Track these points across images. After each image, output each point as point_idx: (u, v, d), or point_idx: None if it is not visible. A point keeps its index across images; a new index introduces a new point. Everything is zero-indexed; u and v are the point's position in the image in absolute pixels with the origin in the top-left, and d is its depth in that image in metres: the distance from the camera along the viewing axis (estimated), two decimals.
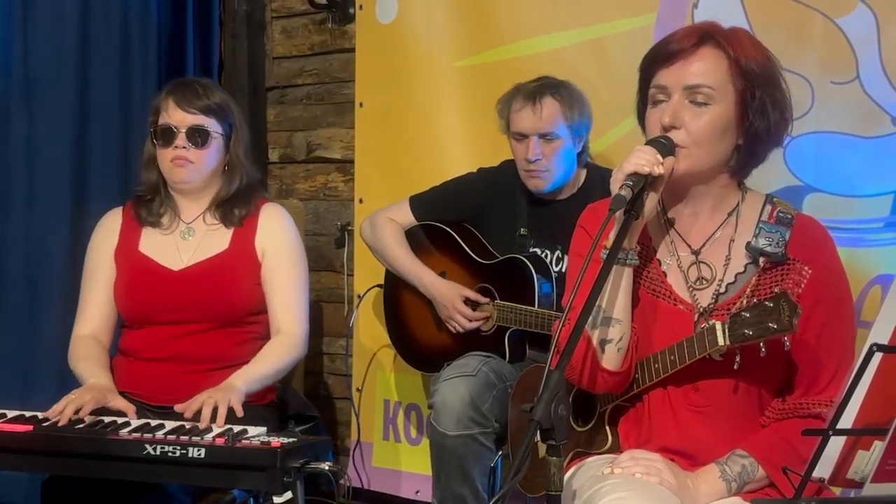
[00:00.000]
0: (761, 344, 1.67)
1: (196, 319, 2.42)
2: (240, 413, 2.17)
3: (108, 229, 2.53)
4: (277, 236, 2.50)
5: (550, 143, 2.65)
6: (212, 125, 2.46)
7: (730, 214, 1.83)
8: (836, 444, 1.45)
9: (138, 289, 2.46)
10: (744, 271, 1.80)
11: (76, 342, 2.46)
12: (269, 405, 2.53)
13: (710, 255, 1.82)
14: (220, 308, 2.43)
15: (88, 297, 2.50)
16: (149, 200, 2.52)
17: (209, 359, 2.41)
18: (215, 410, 2.15)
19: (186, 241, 2.49)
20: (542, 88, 2.66)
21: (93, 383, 2.30)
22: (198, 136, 2.44)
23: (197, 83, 2.51)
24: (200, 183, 2.49)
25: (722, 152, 1.77)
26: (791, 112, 1.80)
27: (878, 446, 1.45)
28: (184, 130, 2.43)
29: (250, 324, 2.47)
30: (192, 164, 2.44)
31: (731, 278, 1.80)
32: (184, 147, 2.43)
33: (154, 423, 2.13)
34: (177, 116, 2.44)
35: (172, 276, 2.45)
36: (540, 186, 2.70)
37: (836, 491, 1.62)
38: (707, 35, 1.76)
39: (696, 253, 1.83)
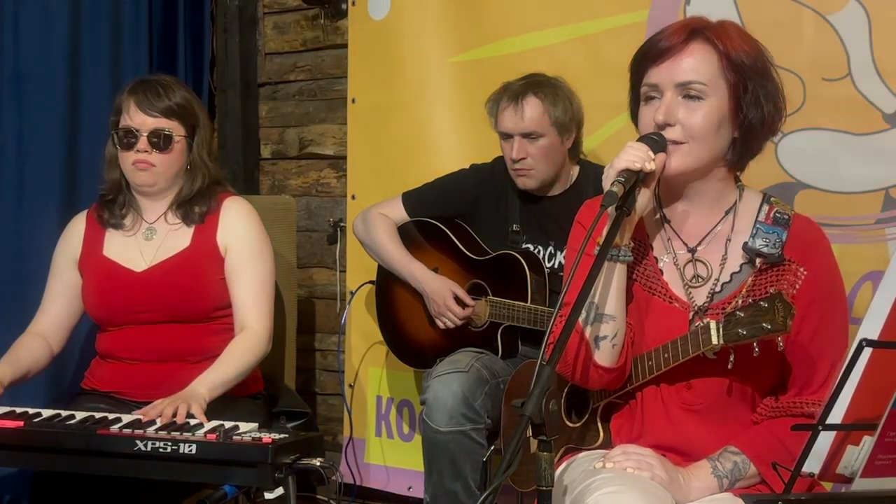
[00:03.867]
0: (755, 344, 1.67)
1: (165, 318, 2.42)
2: (205, 423, 2.14)
3: (73, 235, 2.54)
4: (239, 231, 2.48)
5: (535, 143, 2.65)
6: (174, 128, 2.43)
7: (727, 212, 1.83)
8: (825, 440, 1.45)
9: (104, 292, 2.46)
10: (739, 271, 1.80)
11: (23, 335, 2.49)
12: (255, 396, 2.54)
13: (707, 253, 1.82)
14: (186, 306, 2.42)
15: (46, 298, 2.53)
16: (111, 200, 2.51)
17: (186, 353, 2.41)
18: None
19: (149, 242, 2.48)
20: (525, 88, 2.66)
21: None
22: (160, 141, 2.41)
23: (158, 83, 2.47)
24: (163, 184, 2.47)
25: (719, 146, 1.77)
26: (784, 102, 1.80)
27: (868, 441, 1.45)
28: (145, 134, 2.41)
29: (221, 316, 2.47)
30: (154, 167, 2.43)
31: (727, 277, 1.80)
32: (146, 151, 2.41)
33: (145, 418, 2.12)
34: (138, 119, 2.41)
35: (135, 278, 2.44)
36: (527, 184, 2.71)
37: (827, 486, 1.62)
38: (696, 30, 1.76)
39: (692, 251, 1.83)
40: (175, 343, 2.41)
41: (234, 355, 2.38)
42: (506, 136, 2.69)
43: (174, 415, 2.12)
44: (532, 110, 2.63)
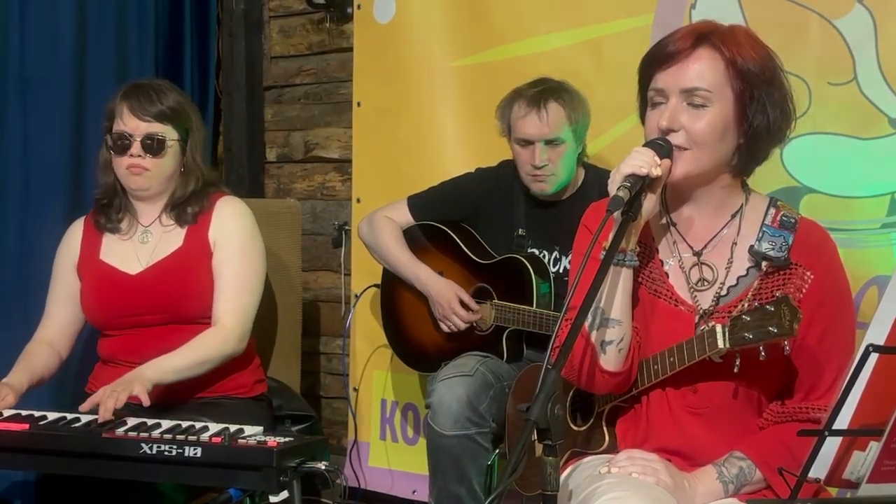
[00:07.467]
0: (761, 348, 1.66)
1: (162, 320, 2.42)
2: (146, 402, 2.15)
3: (71, 240, 2.55)
4: (229, 228, 2.48)
5: (556, 148, 2.65)
6: (167, 132, 2.43)
7: (733, 216, 1.83)
8: (831, 445, 1.45)
9: (101, 296, 2.46)
10: (746, 274, 1.80)
11: (31, 343, 2.50)
12: (258, 398, 2.54)
13: (713, 256, 1.82)
14: (181, 306, 2.42)
15: (49, 305, 2.54)
16: (107, 205, 2.52)
17: None
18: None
19: (144, 245, 2.48)
20: (545, 93, 2.64)
21: (3, 382, 2.34)
22: (153, 145, 2.42)
23: (150, 87, 2.47)
24: (157, 188, 2.48)
25: (723, 153, 1.76)
26: (794, 109, 1.79)
27: (874, 447, 1.45)
28: (139, 139, 2.41)
29: None
30: (148, 171, 2.43)
31: (733, 281, 1.80)
32: (139, 155, 2.41)
33: (150, 422, 2.13)
34: (131, 124, 2.42)
35: (130, 281, 2.45)
36: (545, 189, 2.70)
37: (833, 492, 1.62)
38: (703, 36, 1.75)
39: (697, 254, 1.83)
40: (174, 345, 2.39)
41: (195, 345, 2.36)
42: (525, 143, 2.67)
43: (130, 405, 2.11)
44: (555, 116, 2.62)
